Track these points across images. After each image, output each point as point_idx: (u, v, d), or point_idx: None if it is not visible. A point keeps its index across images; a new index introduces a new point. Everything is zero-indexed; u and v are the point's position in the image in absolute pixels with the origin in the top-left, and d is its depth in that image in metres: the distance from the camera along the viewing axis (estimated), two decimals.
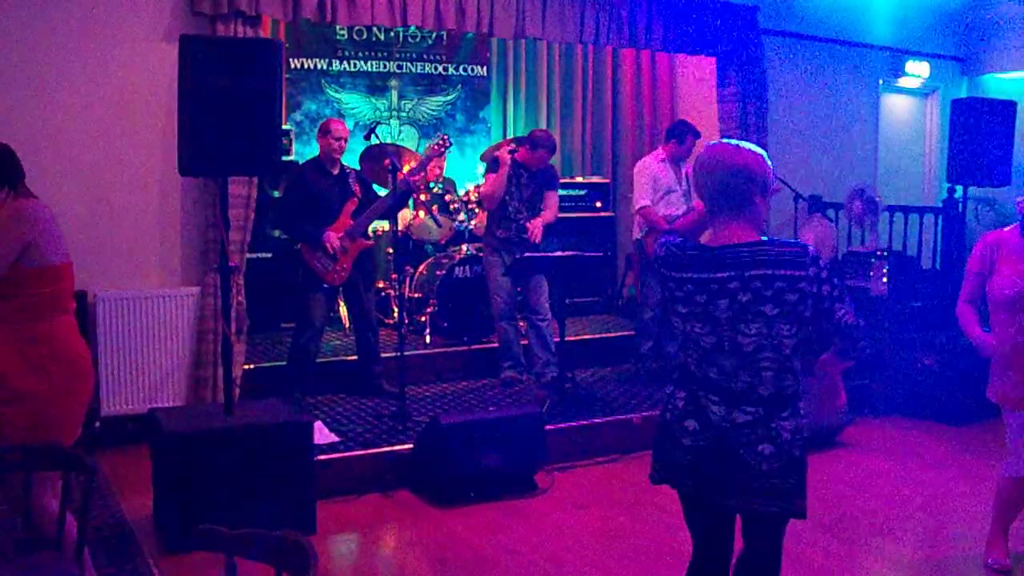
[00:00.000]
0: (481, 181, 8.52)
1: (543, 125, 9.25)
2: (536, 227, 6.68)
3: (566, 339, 6.48)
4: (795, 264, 2.69)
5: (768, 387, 2.74)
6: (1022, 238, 4.20)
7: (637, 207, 6.94)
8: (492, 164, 6.77)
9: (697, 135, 7.00)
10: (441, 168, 7.95)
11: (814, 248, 2.74)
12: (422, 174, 6.59)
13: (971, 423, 6.57)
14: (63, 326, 3.50)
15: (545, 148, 6.64)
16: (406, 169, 7.07)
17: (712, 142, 2.86)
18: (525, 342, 6.90)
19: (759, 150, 2.81)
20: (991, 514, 4.40)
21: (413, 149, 8.43)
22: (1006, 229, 4.31)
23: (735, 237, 2.77)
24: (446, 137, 6.75)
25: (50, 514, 3.22)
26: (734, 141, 2.83)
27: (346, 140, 6.22)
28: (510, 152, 6.67)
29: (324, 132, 6.20)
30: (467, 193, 8.10)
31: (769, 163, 2.82)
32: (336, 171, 6.25)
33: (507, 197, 6.66)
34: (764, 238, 2.77)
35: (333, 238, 6.06)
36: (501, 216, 6.72)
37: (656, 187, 6.90)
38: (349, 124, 6.48)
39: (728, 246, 2.76)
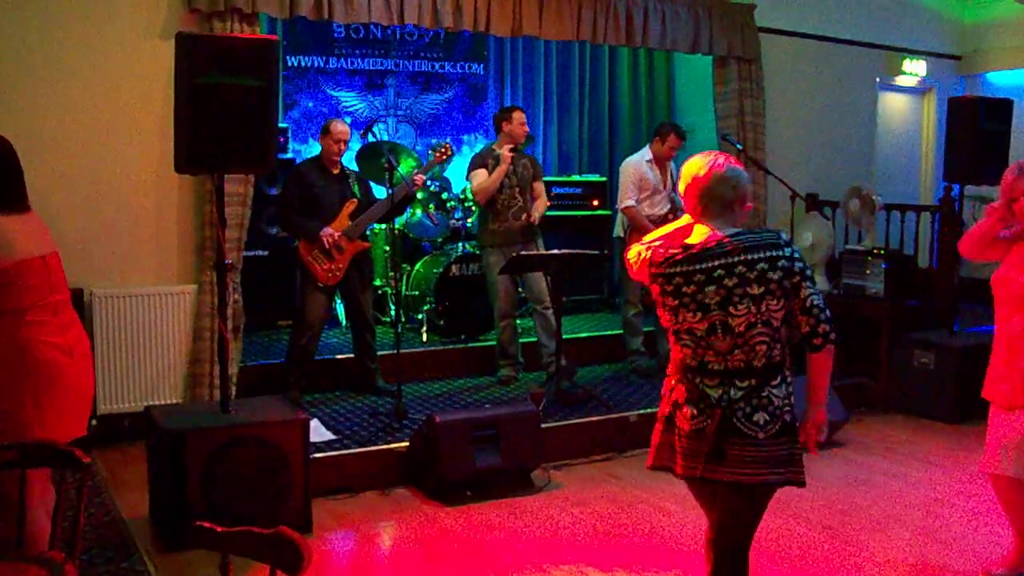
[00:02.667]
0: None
1: (540, 123, 9.27)
2: (536, 216, 6.72)
3: (563, 336, 6.48)
4: (773, 246, 2.98)
5: (761, 359, 2.98)
6: None
7: (622, 207, 6.97)
8: (477, 160, 6.79)
9: (681, 134, 7.01)
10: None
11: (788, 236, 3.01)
12: (421, 177, 6.59)
13: (968, 421, 6.57)
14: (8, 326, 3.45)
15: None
16: (404, 169, 7.07)
17: (704, 152, 3.18)
18: (525, 340, 6.91)
19: (740, 166, 3.18)
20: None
21: (410, 147, 8.43)
22: None
23: (716, 237, 3.02)
24: (449, 145, 6.77)
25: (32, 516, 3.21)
26: (723, 156, 3.16)
27: (347, 141, 6.21)
28: (510, 151, 6.65)
29: (325, 132, 6.19)
30: (464, 191, 8.11)
31: (750, 181, 3.20)
32: (336, 171, 6.24)
33: (497, 192, 6.66)
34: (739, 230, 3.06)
35: (330, 232, 6.06)
36: (493, 210, 6.72)
37: (642, 187, 6.92)
38: (346, 122, 6.47)
39: (710, 245, 3.01)
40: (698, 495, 3.28)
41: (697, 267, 2.99)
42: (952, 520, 4.87)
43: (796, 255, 3.01)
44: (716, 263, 2.97)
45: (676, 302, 3.02)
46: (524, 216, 6.70)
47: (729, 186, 3.07)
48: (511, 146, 6.67)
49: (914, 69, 9.88)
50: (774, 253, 2.97)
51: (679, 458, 3.09)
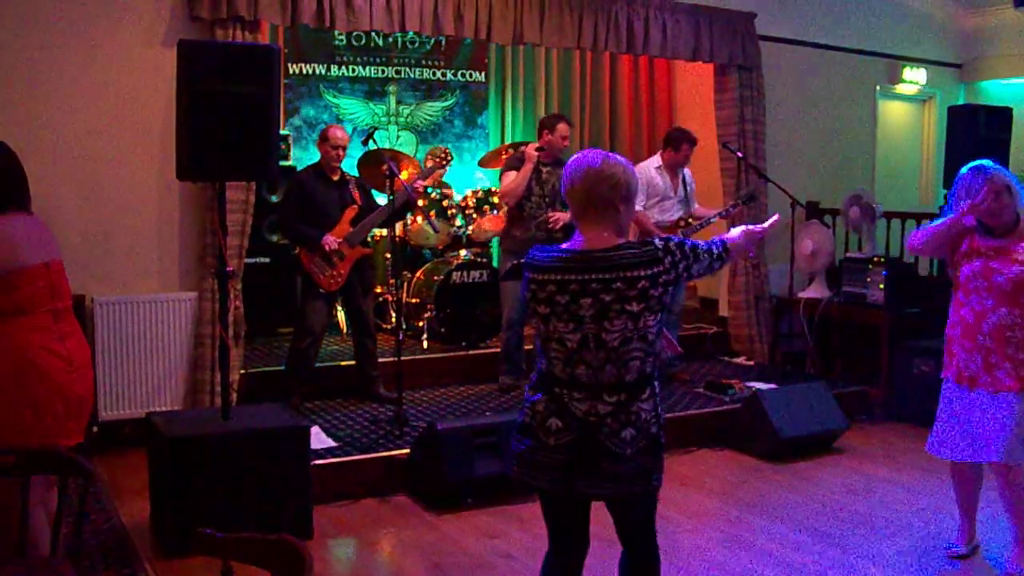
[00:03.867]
0: (483, 184, 8.57)
1: None
2: (559, 217, 6.53)
3: None
4: (652, 262, 2.81)
5: (633, 374, 2.85)
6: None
7: None
8: (512, 163, 6.65)
9: (693, 142, 7.00)
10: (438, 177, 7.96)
11: (663, 238, 2.90)
12: (422, 183, 6.58)
13: None
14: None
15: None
16: (404, 176, 7.08)
17: (582, 151, 2.99)
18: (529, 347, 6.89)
19: (624, 161, 2.95)
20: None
21: (411, 154, 8.44)
22: None
23: (597, 242, 2.87)
24: (448, 151, 6.76)
25: (34, 522, 3.22)
26: (602, 151, 2.96)
27: (345, 147, 6.22)
28: (537, 150, 6.56)
29: (323, 139, 6.20)
30: (465, 199, 8.12)
31: (635, 175, 2.97)
32: (336, 178, 6.25)
33: (526, 195, 6.54)
34: (622, 241, 2.90)
35: (331, 239, 6.07)
36: (518, 216, 6.61)
37: (650, 193, 6.92)
38: (347, 129, 6.47)
39: (591, 251, 2.86)
40: (557, 511, 3.12)
41: (574, 277, 2.84)
42: (952, 527, 4.87)
43: (677, 256, 2.87)
44: (593, 276, 2.82)
45: (548, 310, 2.89)
46: (548, 226, 6.54)
47: (607, 185, 2.87)
48: (537, 145, 6.59)
49: (914, 77, 9.90)
50: (655, 269, 2.81)
51: (540, 472, 2.94)
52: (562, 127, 6.57)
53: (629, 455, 2.84)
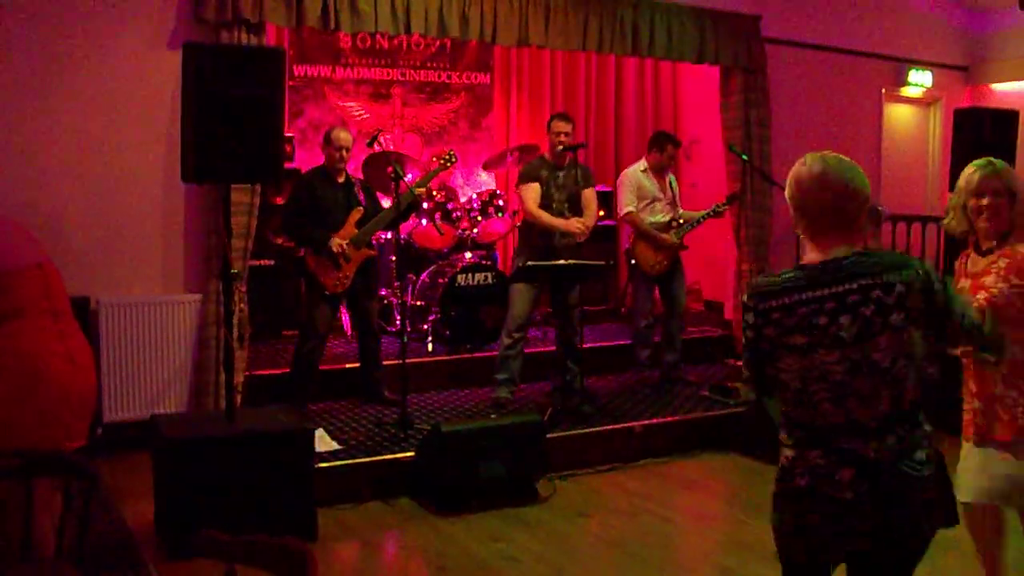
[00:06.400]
0: (488, 187, 8.56)
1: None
2: (583, 230, 6.37)
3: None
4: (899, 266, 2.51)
5: (913, 393, 2.53)
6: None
7: (622, 214, 7.01)
8: (529, 172, 6.42)
9: (677, 144, 7.12)
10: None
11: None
12: (427, 186, 6.57)
13: None
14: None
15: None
16: (408, 177, 7.07)
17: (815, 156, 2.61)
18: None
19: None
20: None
21: (416, 157, 8.44)
22: None
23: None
24: (452, 153, 6.74)
25: (38, 525, 3.21)
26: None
27: (349, 149, 6.21)
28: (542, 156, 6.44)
29: (327, 141, 6.19)
30: (469, 200, 8.11)
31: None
32: (341, 180, 6.25)
33: (545, 204, 6.36)
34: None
35: (338, 240, 6.06)
36: (540, 226, 6.38)
37: (640, 195, 6.97)
38: (352, 131, 6.47)
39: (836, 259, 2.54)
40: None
41: (828, 292, 2.50)
42: (965, 533, 4.84)
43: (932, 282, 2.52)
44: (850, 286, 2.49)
45: (805, 340, 2.49)
46: (572, 238, 6.37)
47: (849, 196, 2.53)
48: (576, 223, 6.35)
49: (920, 80, 9.88)
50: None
51: (836, 540, 2.52)
52: (555, 124, 6.41)
53: (926, 476, 2.52)
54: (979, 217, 3.34)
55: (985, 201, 3.31)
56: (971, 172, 3.48)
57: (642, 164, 7.09)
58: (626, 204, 6.96)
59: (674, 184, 7.24)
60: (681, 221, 7.06)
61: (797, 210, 2.60)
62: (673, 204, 7.14)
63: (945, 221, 3.57)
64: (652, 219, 6.97)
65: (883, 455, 2.48)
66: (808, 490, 2.52)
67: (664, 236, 6.97)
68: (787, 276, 2.57)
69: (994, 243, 3.30)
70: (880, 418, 2.49)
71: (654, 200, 7.00)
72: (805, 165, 2.58)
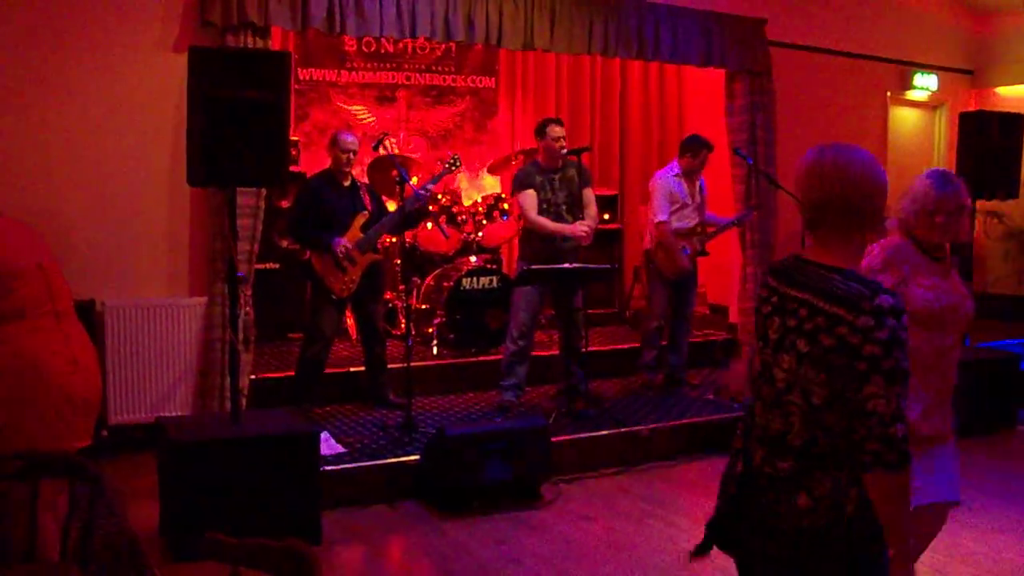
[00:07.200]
0: (488, 191, 8.56)
1: None
2: (589, 232, 6.31)
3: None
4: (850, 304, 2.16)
5: (800, 434, 2.26)
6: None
7: (656, 221, 6.90)
8: (524, 179, 6.33)
9: (711, 148, 7.00)
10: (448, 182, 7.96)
11: (887, 299, 2.15)
12: (432, 189, 6.57)
13: (979, 436, 6.54)
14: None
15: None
16: (414, 181, 7.08)
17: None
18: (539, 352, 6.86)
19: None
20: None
21: (421, 160, 8.45)
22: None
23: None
24: (456, 157, 6.75)
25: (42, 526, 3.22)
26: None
27: (355, 152, 6.22)
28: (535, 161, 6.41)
29: (333, 144, 6.20)
30: (475, 204, 8.11)
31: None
32: (347, 183, 6.25)
33: (542, 207, 6.31)
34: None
35: (343, 244, 6.07)
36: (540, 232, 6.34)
37: (671, 201, 6.90)
38: (357, 135, 6.47)
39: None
40: None
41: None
42: (963, 536, 4.84)
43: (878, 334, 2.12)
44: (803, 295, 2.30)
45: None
46: (575, 241, 6.33)
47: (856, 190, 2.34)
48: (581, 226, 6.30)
49: (925, 83, 9.88)
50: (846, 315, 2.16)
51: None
52: (551, 129, 6.32)
53: None
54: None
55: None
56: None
57: (675, 168, 7.01)
58: (660, 213, 6.85)
59: (703, 188, 7.12)
60: (707, 227, 7.02)
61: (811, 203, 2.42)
62: (700, 209, 7.06)
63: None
64: (677, 225, 6.89)
65: (763, 470, 2.31)
66: (724, 476, 2.51)
67: (681, 261, 6.84)
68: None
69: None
70: (773, 436, 2.30)
71: (683, 206, 6.94)
72: (821, 152, 2.45)
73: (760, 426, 2.36)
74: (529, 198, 6.27)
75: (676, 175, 6.97)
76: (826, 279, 2.25)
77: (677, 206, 6.93)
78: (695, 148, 6.95)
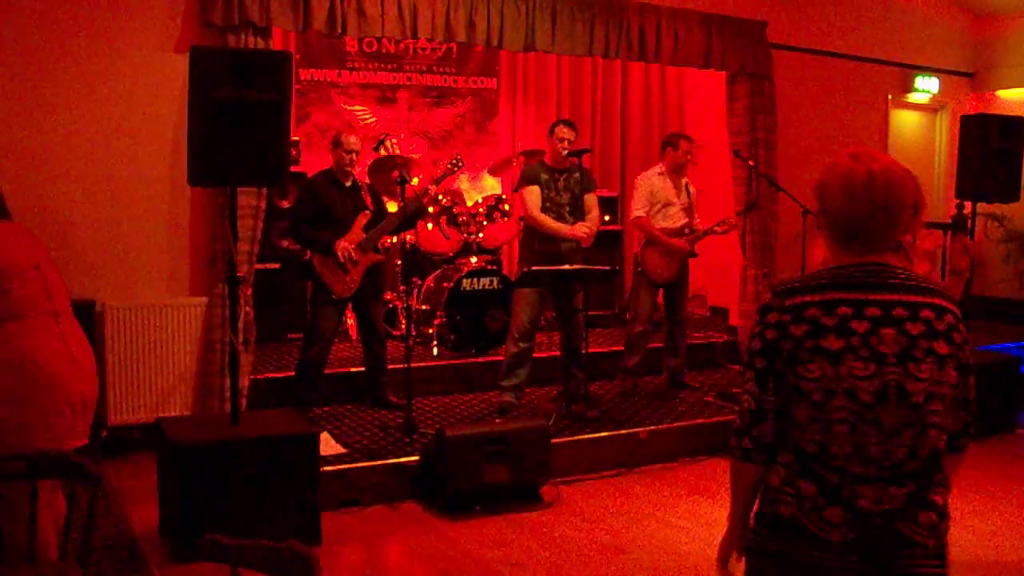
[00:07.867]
0: (490, 191, 8.56)
1: None
2: (589, 234, 6.30)
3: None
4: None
5: (935, 442, 2.22)
6: None
7: (631, 217, 6.96)
8: (529, 175, 6.34)
9: (690, 139, 7.00)
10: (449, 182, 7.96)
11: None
12: (433, 189, 6.57)
13: (981, 439, 6.52)
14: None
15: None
16: (415, 182, 7.08)
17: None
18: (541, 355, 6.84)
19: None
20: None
21: (422, 161, 8.44)
22: None
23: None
24: (458, 158, 6.74)
25: (42, 526, 3.22)
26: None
27: (357, 153, 6.22)
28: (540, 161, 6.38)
29: (336, 145, 6.20)
30: (476, 205, 8.11)
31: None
32: (349, 183, 6.25)
33: (545, 205, 6.28)
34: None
35: (345, 244, 6.06)
36: (540, 231, 6.31)
37: (653, 199, 6.88)
38: (358, 135, 6.47)
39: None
40: None
41: (867, 297, 2.19)
42: (964, 539, 4.84)
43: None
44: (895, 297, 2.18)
45: (843, 342, 2.15)
46: (575, 243, 6.32)
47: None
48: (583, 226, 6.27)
49: (927, 86, 9.88)
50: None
51: None
52: (558, 130, 6.32)
53: (931, 546, 2.22)
54: None
55: None
56: None
57: (658, 168, 7.01)
58: (636, 208, 6.88)
59: (691, 191, 7.08)
60: (695, 228, 7.00)
61: (833, 212, 2.25)
62: (688, 210, 7.03)
63: None
64: (663, 224, 6.88)
65: (880, 508, 2.16)
66: (789, 520, 2.21)
67: (674, 241, 6.86)
68: (819, 276, 2.25)
69: None
70: (894, 462, 2.16)
71: (668, 204, 6.91)
72: (858, 161, 2.26)
73: (873, 461, 2.16)
74: (533, 194, 6.27)
75: (660, 173, 6.96)
76: (913, 277, 2.23)
77: (661, 205, 6.91)
78: (674, 140, 6.96)
